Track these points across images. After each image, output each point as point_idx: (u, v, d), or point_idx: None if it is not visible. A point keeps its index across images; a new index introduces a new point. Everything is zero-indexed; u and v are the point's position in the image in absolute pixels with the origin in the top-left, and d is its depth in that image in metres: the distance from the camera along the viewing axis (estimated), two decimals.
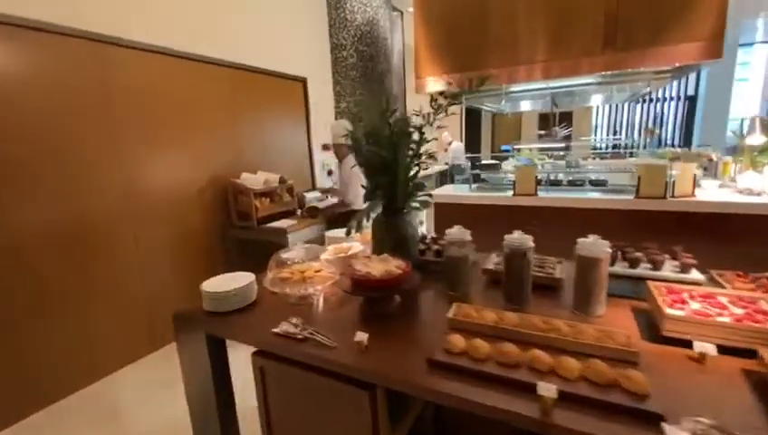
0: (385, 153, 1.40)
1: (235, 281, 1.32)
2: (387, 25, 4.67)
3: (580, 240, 1.19)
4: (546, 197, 3.45)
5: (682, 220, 3.09)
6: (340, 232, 2.05)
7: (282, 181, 3.24)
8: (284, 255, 1.52)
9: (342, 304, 1.31)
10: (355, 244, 1.73)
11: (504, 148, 11.49)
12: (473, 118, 10.42)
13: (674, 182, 3.09)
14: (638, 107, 9.59)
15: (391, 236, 1.47)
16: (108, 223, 2.36)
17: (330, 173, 4.27)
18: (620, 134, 9.39)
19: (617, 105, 9.43)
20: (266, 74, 3.51)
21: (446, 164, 8.69)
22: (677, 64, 2.86)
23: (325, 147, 4.25)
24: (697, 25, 2.72)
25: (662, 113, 9.36)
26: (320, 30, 4.21)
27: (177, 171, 2.72)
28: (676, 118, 9.44)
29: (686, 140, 8.78)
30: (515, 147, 8.89)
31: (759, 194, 2.96)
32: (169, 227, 2.69)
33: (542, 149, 8.20)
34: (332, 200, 3.51)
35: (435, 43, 3.62)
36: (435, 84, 3.67)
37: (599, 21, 3.00)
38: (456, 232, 1.38)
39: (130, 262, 2.49)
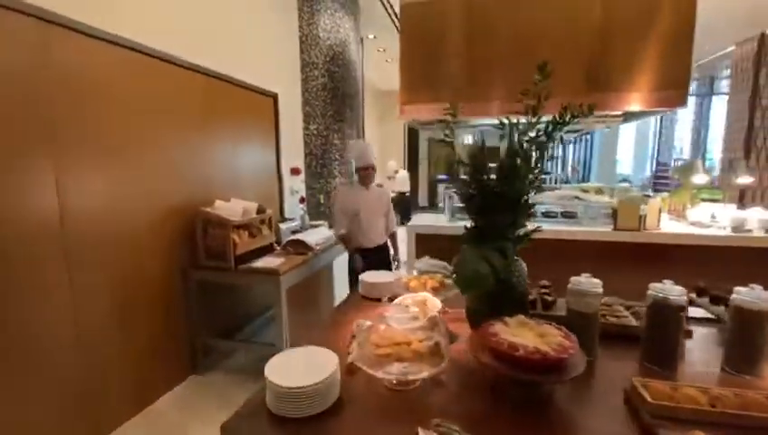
0: (496, 180, 1.15)
1: (310, 364, 0.89)
2: (356, 49, 4.50)
3: (741, 289, 1.06)
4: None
5: (656, 250, 3.32)
6: (376, 275, 1.70)
7: (260, 211, 2.73)
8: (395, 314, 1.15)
9: (460, 381, 1.00)
10: (425, 295, 1.41)
11: (439, 177, 11.99)
12: (411, 145, 10.66)
13: (645, 216, 3.33)
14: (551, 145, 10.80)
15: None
16: (29, 263, 1.65)
17: (302, 200, 3.81)
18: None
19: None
20: (240, 86, 3.02)
21: (393, 192, 8.65)
22: (648, 108, 3.14)
23: (294, 171, 3.81)
24: (668, 75, 3.04)
25: (564, 152, 10.63)
26: (291, 43, 3.85)
27: (128, 194, 2.08)
28: (574, 156, 10.81)
29: (585, 177, 10.10)
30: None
31: (709, 226, 3.33)
32: (115, 268, 2.02)
33: None
34: (324, 234, 3.08)
35: (420, 70, 3.52)
36: (421, 111, 3.55)
37: (584, 63, 3.19)
38: (585, 281, 1.16)
39: (61, 320, 1.77)
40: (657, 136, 8.86)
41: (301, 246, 2.79)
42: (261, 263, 2.42)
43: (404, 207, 8.74)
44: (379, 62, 7.14)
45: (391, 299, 1.47)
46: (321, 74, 4.04)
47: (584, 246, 3.45)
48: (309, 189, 4.13)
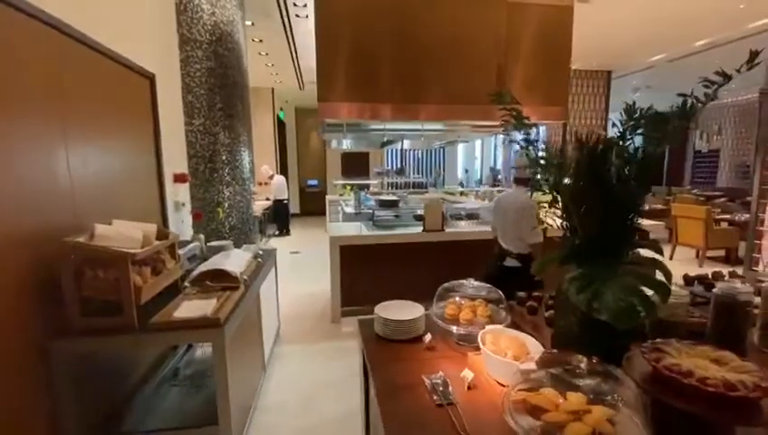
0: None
1: None
2: (243, 33, 3.80)
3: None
4: (453, 231, 3.55)
5: None
6: (395, 306, 1.34)
7: (161, 236, 1.91)
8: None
9: None
10: (512, 332, 1.15)
11: (309, 182, 11.53)
12: (281, 146, 9.91)
13: None
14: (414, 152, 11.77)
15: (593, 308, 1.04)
16: None
17: (198, 216, 2.93)
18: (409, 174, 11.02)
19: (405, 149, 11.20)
20: (106, 57, 2.06)
21: (268, 199, 7.81)
22: (542, 121, 3.60)
23: (179, 177, 2.90)
24: (557, 93, 3.53)
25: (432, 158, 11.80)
26: (163, 9, 2.92)
27: None
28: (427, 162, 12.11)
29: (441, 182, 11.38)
30: (337, 182, 9.05)
31: None
32: None
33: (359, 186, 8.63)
34: (244, 257, 2.40)
35: (339, 67, 3.16)
36: (341, 111, 3.20)
37: (491, 76, 3.42)
38: (727, 287, 1.11)
39: None
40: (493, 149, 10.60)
41: (225, 279, 2.09)
42: (184, 311, 1.67)
43: (282, 216, 8.01)
44: (251, 55, 6.29)
45: (430, 346, 1.16)
46: (205, 56, 3.23)
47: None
48: (196, 201, 3.24)
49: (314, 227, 9.05)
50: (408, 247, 3.58)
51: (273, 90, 8.39)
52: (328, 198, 8.52)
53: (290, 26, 5.14)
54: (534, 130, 1.18)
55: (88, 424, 1.73)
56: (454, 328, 1.27)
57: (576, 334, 1.03)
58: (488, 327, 1.15)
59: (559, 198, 1.07)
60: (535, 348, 1.04)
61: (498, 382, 1.01)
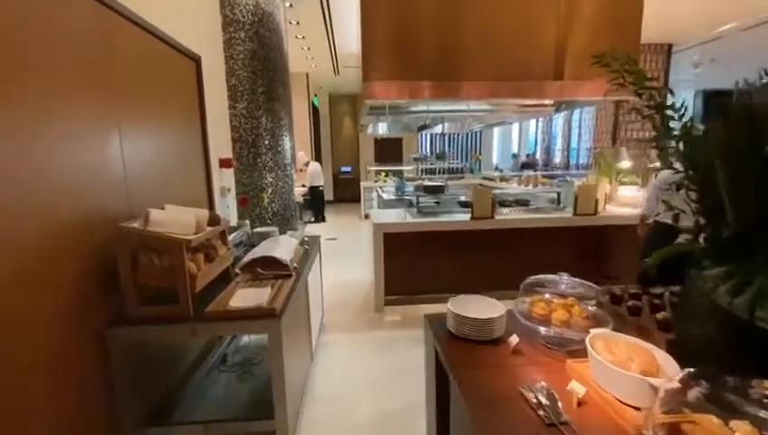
0: None
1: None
2: (283, 12, 3.68)
3: None
4: (504, 219, 3.34)
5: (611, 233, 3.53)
6: (472, 301, 1.19)
7: (213, 221, 1.85)
8: None
9: None
10: (633, 339, 0.97)
11: (343, 169, 11.48)
12: (316, 132, 9.88)
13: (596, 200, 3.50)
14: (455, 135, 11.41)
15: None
16: None
17: (244, 202, 2.89)
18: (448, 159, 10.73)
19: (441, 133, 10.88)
20: (155, 36, 2.00)
21: (304, 186, 7.82)
22: (603, 97, 3.27)
23: (225, 163, 2.86)
24: None
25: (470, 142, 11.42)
26: None
27: None
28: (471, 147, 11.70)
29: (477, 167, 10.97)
30: (370, 169, 8.93)
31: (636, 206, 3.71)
32: None
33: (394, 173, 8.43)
34: (291, 243, 2.32)
35: (387, 44, 2.98)
36: (391, 89, 3.02)
37: (548, 50, 3.13)
38: None
39: None
40: (535, 131, 10.07)
41: (275, 267, 2.02)
42: (239, 300, 1.60)
43: (318, 203, 8.01)
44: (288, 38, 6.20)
45: (517, 349, 0.99)
46: (248, 37, 3.14)
47: (546, 232, 3.49)
48: (240, 186, 3.20)
49: (348, 214, 9.01)
50: (454, 235, 3.41)
51: (307, 75, 8.31)
52: (363, 184, 8.43)
53: (327, 7, 4.97)
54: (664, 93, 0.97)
55: (142, 411, 1.72)
56: (543, 329, 1.11)
57: (719, 346, 0.84)
58: (595, 331, 0.97)
59: (695, 178, 0.87)
60: (666, 361, 0.86)
61: (618, 400, 0.85)
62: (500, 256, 3.52)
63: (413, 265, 3.51)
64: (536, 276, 1.27)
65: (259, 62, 3.21)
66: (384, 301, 3.43)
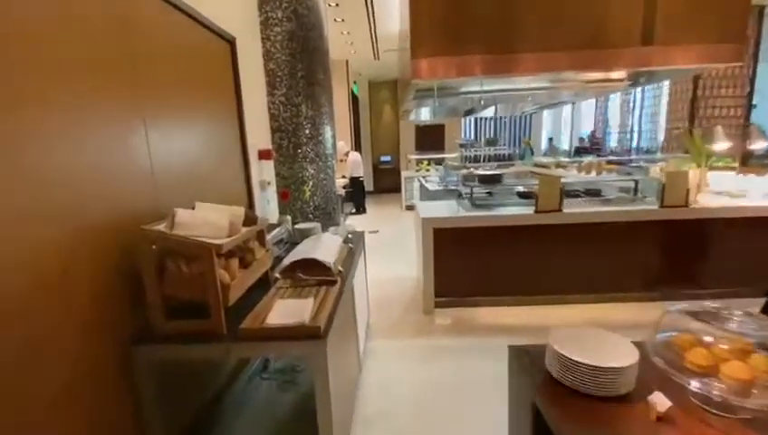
0: None
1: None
2: None
3: None
4: (573, 212, 2.90)
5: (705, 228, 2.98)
6: (583, 337, 0.86)
7: (249, 220, 1.63)
8: None
9: None
10: None
11: (382, 159, 11.19)
12: (355, 121, 9.66)
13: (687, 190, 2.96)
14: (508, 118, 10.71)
15: None
16: None
17: (285, 196, 2.69)
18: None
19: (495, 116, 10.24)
20: (188, 16, 1.79)
21: (344, 177, 7.62)
22: (705, 64, 2.70)
23: (264, 154, 2.66)
24: (728, 26, 2.61)
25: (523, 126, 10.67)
26: None
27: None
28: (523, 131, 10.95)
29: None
30: (410, 157, 8.55)
31: (742, 195, 3.10)
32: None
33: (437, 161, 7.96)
34: (335, 242, 2.08)
35: (437, 16, 2.61)
36: (441, 66, 2.66)
37: (635, 9, 2.61)
38: None
39: None
40: (595, 110, 9.17)
41: (318, 270, 1.77)
42: (278, 314, 1.37)
43: (358, 194, 7.80)
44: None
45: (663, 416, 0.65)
46: (285, 16, 2.89)
47: (626, 227, 3.00)
48: (280, 179, 3.01)
49: (389, 205, 8.74)
50: (513, 231, 3.01)
51: (347, 62, 8.05)
52: (403, 174, 8.10)
53: None
54: None
55: (177, 427, 1.55)
56: (714, 392, 0.75)
57: None
58: None
59: None
60: None
61: None
62: (568, 256, 3.08)
63: (465, 264, 3.17)
64: (681, 305, 0.90)
65: (298, 44, 2.96)
66: (434, 302, 3.13)
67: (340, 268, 1.86)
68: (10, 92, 0.95)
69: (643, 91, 7.58)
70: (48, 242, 1.04)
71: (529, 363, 1.00)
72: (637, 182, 3.32)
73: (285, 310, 1.40)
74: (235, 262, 1.45)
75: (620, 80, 3.65)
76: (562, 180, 2.97)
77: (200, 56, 1.97)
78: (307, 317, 1.34)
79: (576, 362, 0.82)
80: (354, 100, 9.42)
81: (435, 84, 3.13)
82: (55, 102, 1.08)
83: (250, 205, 2.50)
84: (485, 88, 3.70)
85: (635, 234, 3.04)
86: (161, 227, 1.32)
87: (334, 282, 1.69)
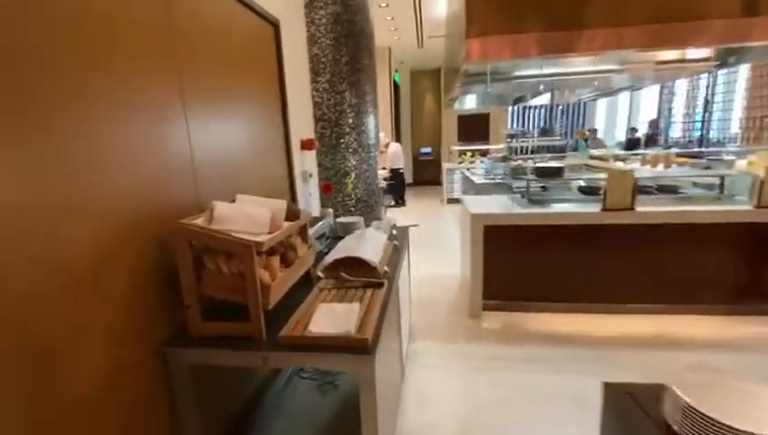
0: None
1: None
2: None
3: None
4: (648, 211, 2.55)
5: None
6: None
7: (291, 215, 1.51)
8: None
9: None
10: None
11: (422, 150, 10.92)
12: (396, 111, 9.45)
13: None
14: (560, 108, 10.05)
15: None
16: None
17: (328, 189, 2.58)
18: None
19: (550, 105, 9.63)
20: None
21: (384, 169, 7.47)
22: None
23: (306, 144, 2.55)
24: None
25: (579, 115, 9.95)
26: None
27: (28, 208, 0.82)
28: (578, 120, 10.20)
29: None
30: (454, 148, 8.21)
31: None
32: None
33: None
34: (380, 239, 1.93)
35: None
36: (496, 46, 2.40)
37: None
38: None
39: None
40: (658, 100, 8.33)
41: (363, 270, 1.63)
42: (321, 321, 1.23)
43: (399, 186, 7.63)
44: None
45: None
46: None
47: (711, 229, 2.60)
48: (322, 170, 2.90)
49: (429, 198, 8.50)
50: (575, 231, 2.72)
51: (388, 49, 7.83)
52: (445, 165, 7.82)
53: None
54: None
55: (215, 431, 1.48)
56: None
57: None
58: None
59: None
60: None
61: None
62: (636, 260, 2.74)
63: (517, 265, 2.91)
64: None
65: (343, 28, 2.81)
66: (482, 305, 2.91)
67: (386, 269, 1.70)
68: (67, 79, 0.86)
69: (714, 75, 6.76)
70: (80, 240, 0.96)
71: (633, 407, 0.79)
72: (723, 178, 2.89)
73: (329, 316, 1.26)
74: (276, 260, 1.34)
75: (705, 59, 3.19)
76: (635, 175, 2.63)
77: (243, 40, 1.86)
78: (353, 327, 1.19)
79: (728, 427, 0.61)
80: (395, 89, 9.20)
81: (488, 67, 2.86)
82: (97, 88, 0.99)
83: (292, 198, 2.40)
84: (544, 72, 3.38)
85: (721, 237, 2.64)
86: (199, 221, 1.22)
87: (381, 284, 1.54)
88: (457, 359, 2.43)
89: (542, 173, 3.00)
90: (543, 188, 3.35)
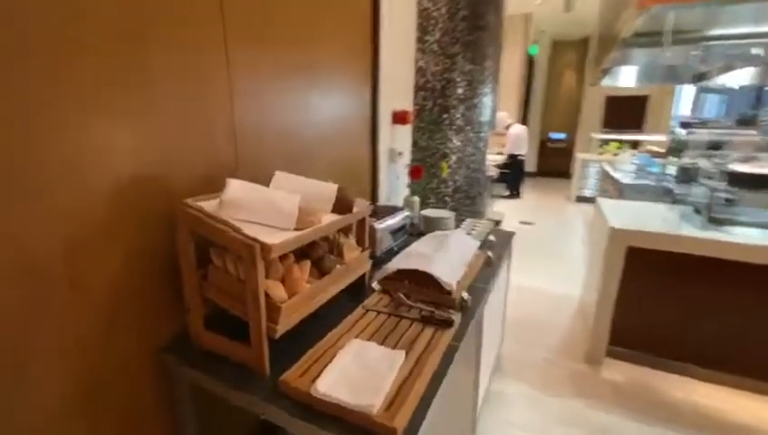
0: None
1: None
2: None
3: None
4: None
5: None
6: None
7: (342, 204, 1.14)
8: None
9: None
10: None
11: (552, 136, 9.46)
12: (528, 87, 8.26)
13: None
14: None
15: None
16: None
17: (417, 173, 2.16)
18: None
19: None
20: None
21: (500, 154, 6.62)
22: None
23: (400, 117, 2.13)
24: None
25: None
26: None
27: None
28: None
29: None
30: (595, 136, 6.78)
31: None
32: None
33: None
34: (468, 244, 1.47)
35: None
36: None
37: None
38: None
39: None
40: None
41: (433, 290, 1.18)
42: (339, 377, 0.84)
43: (515, 175, 6.72)
44: None
45: None
46: None
47: None
48: (416, 151, 2.46)
49: (553, 192, 7.30)
50: (766, 273, 1.75)
51: (525, 16, 6.73)
52: (580, 156, 6.55)
53: None
54: None
55: None
56: None
57: None
58: None
59: None
60: None
61: None
62: None
63: (670, 308, 2.06)
64: None
65: None
66: (606, 349, 2.17)
67: (465, 295, 1.21)
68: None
69: None
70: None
71: None
72: None
73: (354, 365, 0.86)
74: (302, 268, 0.98)
75: None
76: None
77: None
78: (381, 397, 0.77)
79: None
80: (530, 64, 8.00)
81: (670, 16, 1.95)
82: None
83: (373, 179, 2.04)
84: (760, 29, 2.25)
85: None
86: (213, 202, 0.93)
87: (450, 324, 1.07)
88: (558, 422, 1.80)
89: (740, 181, 1.99)
90: (728, 201, 2.30)
